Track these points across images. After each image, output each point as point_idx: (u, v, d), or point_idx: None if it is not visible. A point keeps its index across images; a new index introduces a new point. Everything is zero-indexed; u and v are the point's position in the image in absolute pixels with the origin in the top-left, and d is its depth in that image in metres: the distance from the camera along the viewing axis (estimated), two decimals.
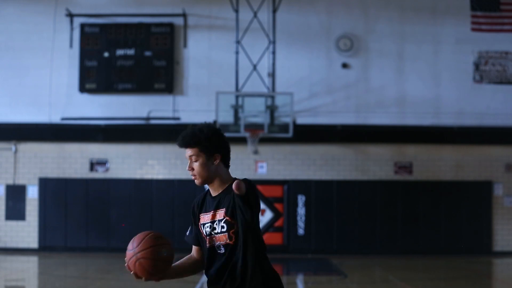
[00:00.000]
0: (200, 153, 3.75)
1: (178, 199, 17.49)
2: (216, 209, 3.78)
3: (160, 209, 17.45)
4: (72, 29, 17.75)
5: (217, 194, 3.82)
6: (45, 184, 17.55)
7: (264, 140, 16.74)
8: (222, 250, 3.75)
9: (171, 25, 17.77)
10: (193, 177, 3.80)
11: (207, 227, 3.78)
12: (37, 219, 17.50)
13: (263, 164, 17.70)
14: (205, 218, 3.81)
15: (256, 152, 16.83)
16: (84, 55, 17.61)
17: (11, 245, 17.52)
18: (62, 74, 17.69)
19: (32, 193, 17.57)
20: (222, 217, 3.74)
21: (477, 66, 17.79)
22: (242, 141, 16.71)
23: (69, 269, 14.68)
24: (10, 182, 17.66)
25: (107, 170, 17.67)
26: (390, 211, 17.52)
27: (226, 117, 16.40)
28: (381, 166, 17.74)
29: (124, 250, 3.73)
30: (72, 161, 17.70)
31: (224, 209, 3.74)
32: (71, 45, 17.75)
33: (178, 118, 17.62)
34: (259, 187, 17.34)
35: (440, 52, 17.90)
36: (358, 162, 17.78)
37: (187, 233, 3.96)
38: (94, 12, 17.79)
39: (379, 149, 17.80)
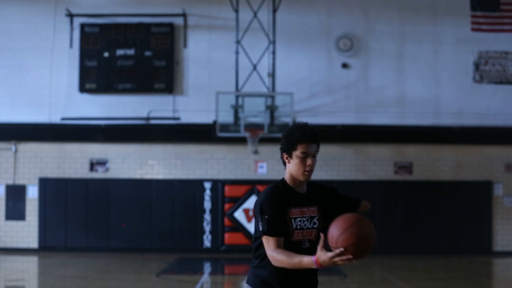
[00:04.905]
0: (318, 150, 3.86)
1: (178, 199, 17.49)
2: (307, 205, 3.88)
3: (160, 209, 17.44)
4: (72, 29, 17.74)
5: (305, 191, 3.91)
6: (45, 184, 17.55)
7: (264, 140, 16.73)
8: (307, 245, 3.84)
9: (171, 25, 17.77)
10: (307, 173, 3.80)
11: (299, 221, 3.83)
12: (37, 219, 17.49)
13: (263, 164, 17.69)
14: (296, 212, 3.85)
15: (256, 152, 16.83)
16: (84, 55, 17.61)
17: (11, 245, 17.52)
18: (62, 74, 17.69)
19: (32, 193, 17.57)
20: (315, 214, 3.87)
21: (477, 66, 17.79)
22: (242, 141, 16.71)
23: (69, 269, 14.68)
24: (10, 182, 17.65)
25: (107, 170, 17.67)
26: (390, 211, 17.51)
27: (226, 117, 16.40)
28: (381, 166, 17.74)
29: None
30: (72, 161, 17.70)
31: (316, 207, 3.89)
32: (71, 45, 17.75)
33: (178, 118, 17.61)
34: (259, 187, 17.35)
35: (440, 52, 17.90)
36: (358, 162, 17.78)
37: (266, 227, 3.75)
38: (94, 12, 17.78)
39: (379, 149, 17.80)
